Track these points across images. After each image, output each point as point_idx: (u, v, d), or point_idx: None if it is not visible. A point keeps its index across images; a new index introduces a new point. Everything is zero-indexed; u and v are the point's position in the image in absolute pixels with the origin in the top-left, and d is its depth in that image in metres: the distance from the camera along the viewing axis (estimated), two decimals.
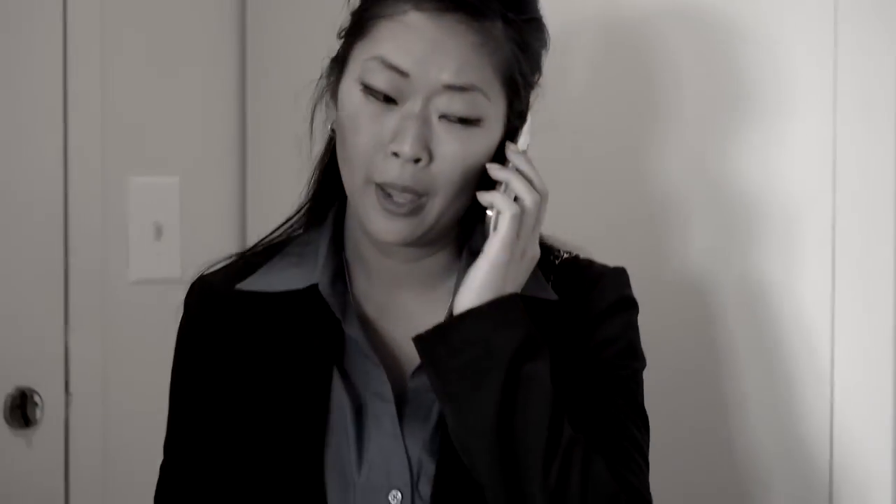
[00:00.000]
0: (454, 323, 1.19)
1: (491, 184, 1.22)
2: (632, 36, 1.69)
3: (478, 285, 1.19)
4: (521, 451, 1.16)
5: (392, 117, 1.19)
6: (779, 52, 1.57)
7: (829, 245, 1.52)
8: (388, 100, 1.19)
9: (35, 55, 1.96)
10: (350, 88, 1.22)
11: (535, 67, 1.26)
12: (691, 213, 1.65)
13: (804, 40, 1.54)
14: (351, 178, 1.22)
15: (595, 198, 1.73)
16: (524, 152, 1.24)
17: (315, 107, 1.30)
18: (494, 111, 1.22)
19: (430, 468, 1.22)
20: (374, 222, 1.21)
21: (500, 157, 1.23)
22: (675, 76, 1.66)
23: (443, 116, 1.19)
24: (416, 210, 1.20)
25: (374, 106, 1.19)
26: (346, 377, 1.25)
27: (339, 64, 1.26)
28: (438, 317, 1.23)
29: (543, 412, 1.16)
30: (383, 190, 1.19)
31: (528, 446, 1.16)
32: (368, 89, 1.19)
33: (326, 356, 1.25)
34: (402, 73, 1.18)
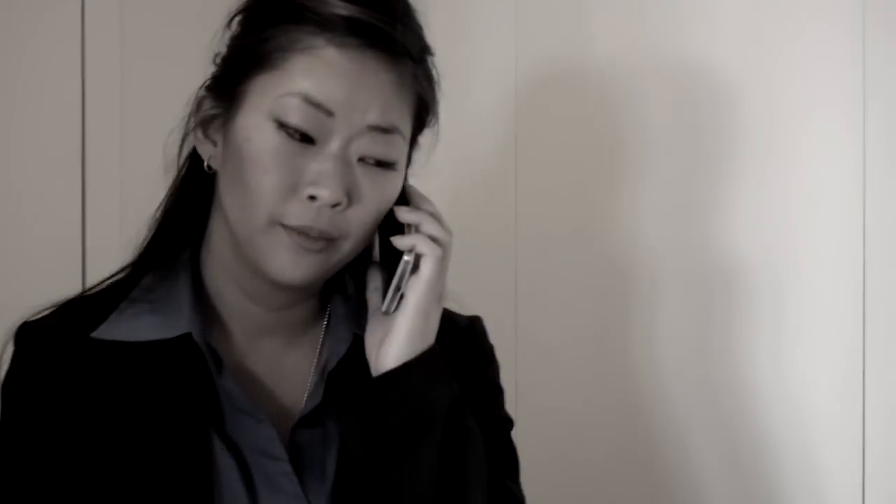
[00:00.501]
0: (388, 379, 1.15)
1: (390, 228, 1.18)
2: (603, 88, 1.61)
3: (405, 335, 1.16)
4: None
5: (309, 158, 1.14)
6: (784, 99, 1.45)
7: (858, 331, 1.35)
8: (305, 139, 1.14)
9: (56, 132, 1.95)
10: (259, 125, 1.14)
11: (436, 107, 1.23)
12: (661, 281, 1.53)
13: (829, 86, 1.43)
14: (248, 220, 1.15)
15: (556, 260, 1.63)
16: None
17: (183, 143, 1.23)
18: (405, 152, 1.19)
19: None
20: (280, 260, 1.14)
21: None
22: (648, 126, 1.56)
23: (361, 159, 1.15)
24: (327, 248, 1.15)
25: (289, 144, 1.13)
26: (224, 436, 1.17)
27: (227, 96, 1.18)
28: (304, 367, 1.21)
29: (482, 466, 1.15)
30: (295, 230, 1.14)
31: (470, 500, 1.14)
32: (284, 127, 1.13)
33: (201, 414, 1.17)
34: (328, 112, 1.13)
